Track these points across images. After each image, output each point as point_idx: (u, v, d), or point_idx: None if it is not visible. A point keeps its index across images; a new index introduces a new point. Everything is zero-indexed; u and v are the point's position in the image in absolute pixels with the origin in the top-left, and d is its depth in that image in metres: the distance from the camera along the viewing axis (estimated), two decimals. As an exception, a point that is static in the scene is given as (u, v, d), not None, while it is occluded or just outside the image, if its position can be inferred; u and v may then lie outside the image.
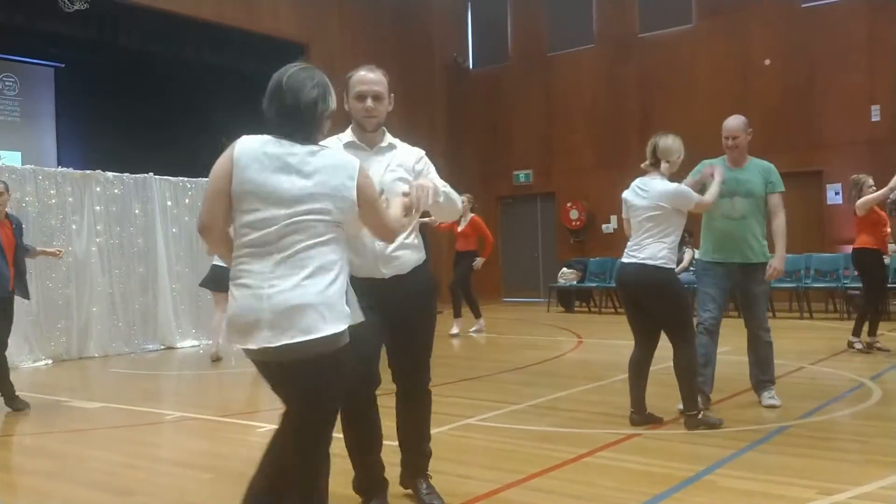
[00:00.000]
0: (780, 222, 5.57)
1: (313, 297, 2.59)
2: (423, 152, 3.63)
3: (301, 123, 2.70)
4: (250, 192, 2.64)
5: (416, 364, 3.61)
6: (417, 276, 3.55)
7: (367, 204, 2.77)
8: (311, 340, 2.56)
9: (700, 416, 5.01)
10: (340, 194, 2.68)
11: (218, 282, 8.87)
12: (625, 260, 5.17)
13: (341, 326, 2.63)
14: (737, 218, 5.51)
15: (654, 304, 5.07)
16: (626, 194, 5.27)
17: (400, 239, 3.33)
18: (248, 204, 2.65)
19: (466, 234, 10.99)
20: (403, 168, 3.49)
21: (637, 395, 5.22)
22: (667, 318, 5.06)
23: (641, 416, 5.20)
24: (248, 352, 2.67)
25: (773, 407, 5.53)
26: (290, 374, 2.65)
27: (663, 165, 5.10)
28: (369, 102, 3.38)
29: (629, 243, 5.19)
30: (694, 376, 5.05)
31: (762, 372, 5.72)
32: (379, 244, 3.33)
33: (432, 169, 3.61)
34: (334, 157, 2.75)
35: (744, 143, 5.67)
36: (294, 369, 2.62)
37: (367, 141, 3.50)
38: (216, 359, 9.28)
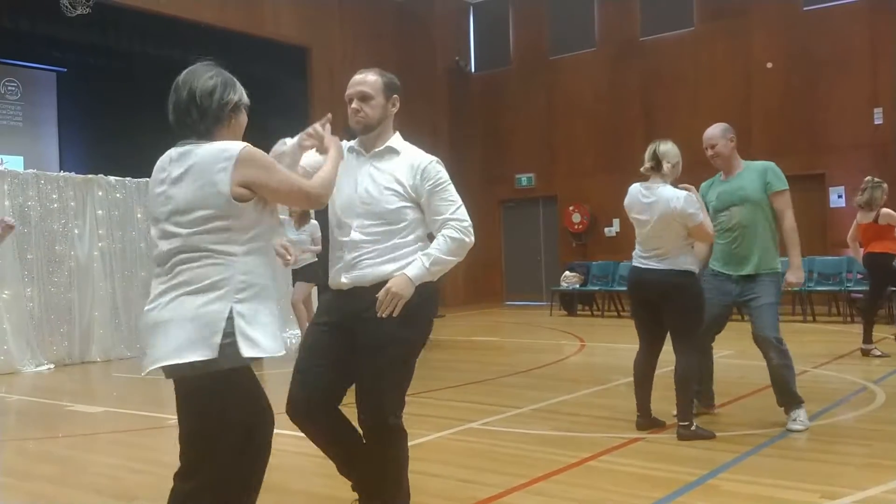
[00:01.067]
0: (787, 225, 5.17)
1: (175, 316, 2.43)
2: (431, 163, 3.18)
3: (197, 115, 2.50)
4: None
5: (372, 393, 3.13)
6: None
7: (258, 177, 2.47)
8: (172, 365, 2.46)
9: (693, 427, 4.89)
10: (210, 194, 2.44)
11: None
12: (643, 265, 5.10)
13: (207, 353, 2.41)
14: (734, 228, 5.21)
15: (669, 306, 4.97)
16: (627, 202, 5.20)
17: (376, 246, 3.11)
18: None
19: None
20: (401, 183, 3.13)
21: (643, 399, 5.21)
22: (678, 322, 4.97)
23: (647, 420, 5.19)
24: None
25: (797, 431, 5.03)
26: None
27: (665, 166, 5.04)
28: (354, 104, 3.17)
29: (644, 248, 5.12)
30: (690, 386, 4.98)
31: (777, 393, 5.20)
32: (348, 254, 3.13)
33: (436, 189, 3.14)
34: (207, 150, 2.48)
35: (725, 151, 5.31)
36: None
37: (365, 145, 3.25)
38: None
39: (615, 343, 10.50)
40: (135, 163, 12.13)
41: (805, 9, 14.08)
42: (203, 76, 2.53)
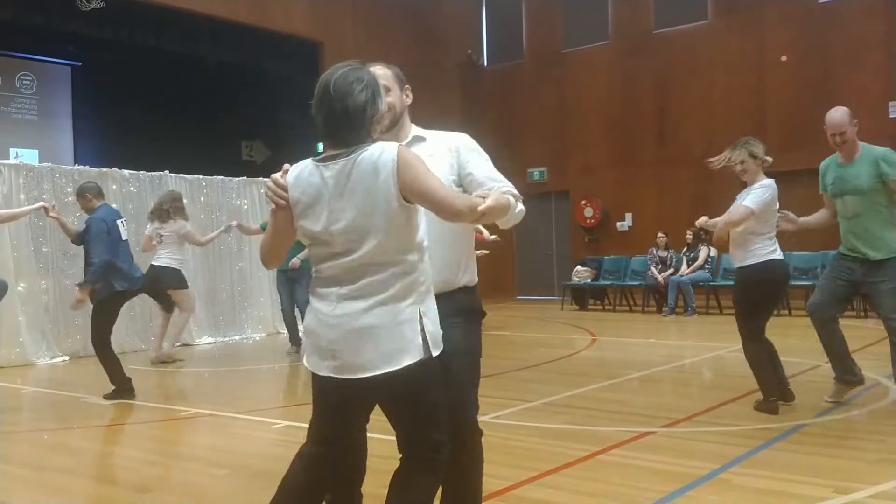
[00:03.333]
0: None
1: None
2: (462, 139, 3.05)
3: (351, 129, 2.52)
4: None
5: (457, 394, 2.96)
6: (453, 298, 2.94)
7: (415, 183, 2.46)
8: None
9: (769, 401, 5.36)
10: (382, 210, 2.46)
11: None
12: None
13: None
14: (850, 217, 5.35)
15: None
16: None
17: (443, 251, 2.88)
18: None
19: None
20: (444, 172, 2.86)
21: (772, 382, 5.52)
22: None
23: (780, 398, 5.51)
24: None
25: None
26: None
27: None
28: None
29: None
30: (756, 368, 5.46)
31: None
32: None
33: (478, 162, 2.99)
34: (369, 158, 2.48)
35: (852, 137, 5.42)
36: None
37: (387, 139, 2.94)
38: (170, 360, 9.19)
39: (627, 338, 10.49)
40: (149, 156, 12.25)
41: (820, 2, 13.98)
42: (355, 90, 2.52)
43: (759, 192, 5.36)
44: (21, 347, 9.17)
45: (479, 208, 2.52)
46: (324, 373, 2.55)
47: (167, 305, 9.26)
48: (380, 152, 2.48)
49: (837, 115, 5.46)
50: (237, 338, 11.43)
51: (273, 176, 2.65)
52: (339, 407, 2.64)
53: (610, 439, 4.83)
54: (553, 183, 17.14)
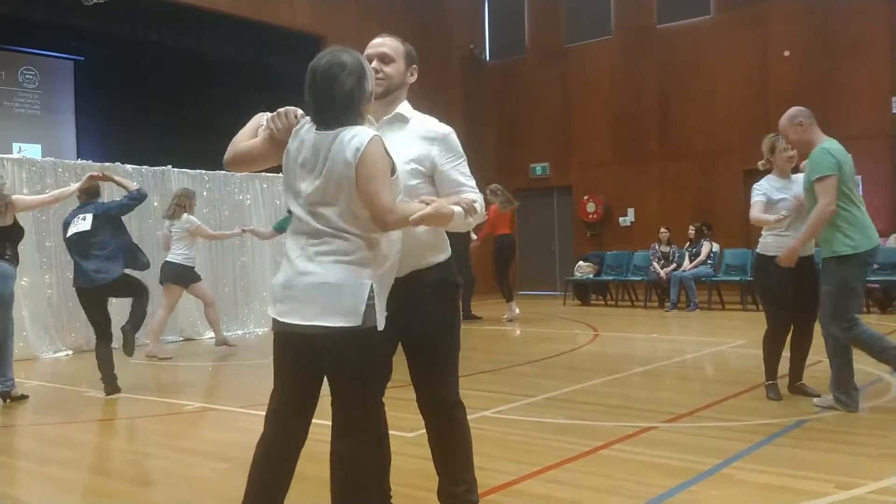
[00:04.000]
0: (812, 210, 5.22)
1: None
2: (445, 134, 3.03)
3: (338, 114, 2.68)
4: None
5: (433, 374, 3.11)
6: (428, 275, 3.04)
7: (361, 180, 2.61)
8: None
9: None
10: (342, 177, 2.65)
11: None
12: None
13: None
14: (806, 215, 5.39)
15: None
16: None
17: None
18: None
19: (491, 222, 11.80)
20: (415, 158, 2.97)
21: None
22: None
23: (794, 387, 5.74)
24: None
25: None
26: None
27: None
28: (374, 63, 2.96)
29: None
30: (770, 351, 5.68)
31: None
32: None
33: (454, 162, 3.02)
34: (347, 135, 2.65)
35: (794, 137, 5.49)
36: None
37: (377, 114, 3.04)
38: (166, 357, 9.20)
39: (629, 333, 10.50)
40: (151, 151, 12.26)
41: (823, -4, 13.96)
42: (340, 77, 2.65)
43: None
44: (24, 342, 9.18)
45: (412, 218, 2.67)
46: (272, 314, 2.74)
47: (170, 302, 9.36)
48: (352, 136, 2.64)
49: (782, 120, 5.63)
50: (240, 332, 11.45)
51: (289, 110, 2.83)
52: (286, 358, 2.80)
53: (612, 434, 4.84)
54: (555, 178, 17.13)
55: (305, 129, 2.76)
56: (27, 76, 15.28)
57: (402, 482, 3.83)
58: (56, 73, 15.74)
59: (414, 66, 3.12)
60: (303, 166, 2.72)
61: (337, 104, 2.66)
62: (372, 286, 2.66)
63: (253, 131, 2.96)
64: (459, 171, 3.03)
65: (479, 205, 2.98)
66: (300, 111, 2.83)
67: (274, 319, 2.75)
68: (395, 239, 2.80)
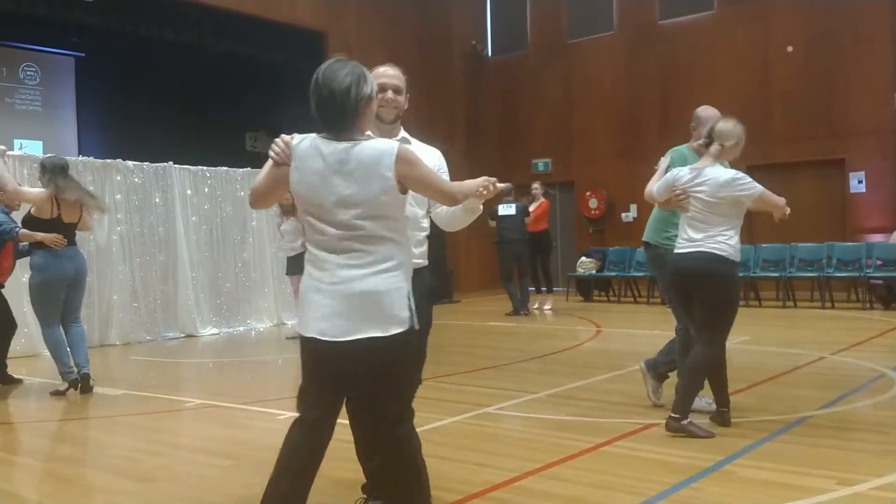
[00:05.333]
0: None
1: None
2: (440, 153, 3.47)
3: (339, 113, 2.73)
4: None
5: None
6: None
7: (416, 183, 2.80)
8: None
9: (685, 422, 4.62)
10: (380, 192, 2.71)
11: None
12: (684, 250, 4.78)
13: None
14: None
15: (700, 294, 4.76)
16: (682, 171, 4.84)
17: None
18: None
19: (537, 217, 12.91)
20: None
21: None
22: (704, 311, 4.75)
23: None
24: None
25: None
26: None
27: (713, 148, 4.77)
28: (390, 94, 3.31)
29: (692, 234, 4.75)
30: (695, 378, 4.70)
31: None
32: None
33: (447, 176, 3.38)
34: (371, 149, 2.73)
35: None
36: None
37: (383, 136, 3.25)
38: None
39: (631, 329, 10.49)
40: (153, 147, 12.26)
41: (826, -8, 13.92)
42: (339, 76, 2.73)
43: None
44: (27, 338, 9.18)
45: (479, 189, 2.92)
46: (313, 334, 2.74)
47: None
48: (382, 144, 2.76)
49: (717, 114, 5.23)
50: (241, 329, 11.46)
51: (282, 136, 2.88)
52: (324, 371, 2.80)
53: (615, 431, 4.83)
54: (557, 174, 17.11)
55: (309, 143, 2.77)
56: (28, 72, 15.27)
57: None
58: (57, 70, 15.72)
59: (407, 93, 3.44)
60: (317, 176, 2.74)
61: (338, 103, 2.71)
62: (408, 289, 2.79)
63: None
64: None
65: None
66: (289, 136, 2.89)
67: (314, 339, 2.74)
68: (419, 241, 3.03)
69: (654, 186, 5.03)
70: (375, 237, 2.72)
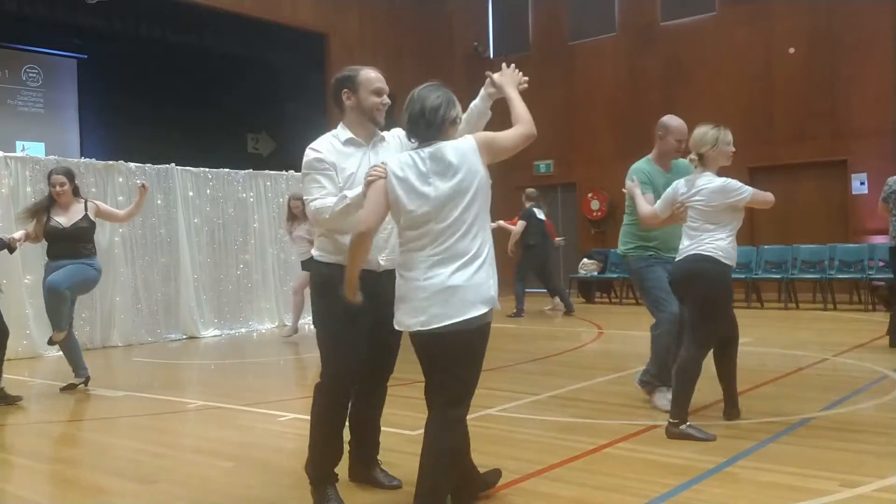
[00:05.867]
0: None
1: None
2: (399, 130, 3.68)
3: (427, 126, 3.16)
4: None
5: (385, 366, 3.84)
6: None
7: (501, 150, 3.25)
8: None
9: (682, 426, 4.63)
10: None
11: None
12: (678, 258, 4.89)
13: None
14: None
15: (685, 293, 4.84)
16: (679, 184, 5.00)
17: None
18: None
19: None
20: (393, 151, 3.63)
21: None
22: (690, 311, 4.81)
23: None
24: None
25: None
26: None
27: (691, 157, 4.95)
28: (385, 98, 3.65)
29: (686, 242, 4.86)
30: (684, 381, 4.71)
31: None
32: (380, 234, 3.43)
33: None
34: (454, 146, 3.15)
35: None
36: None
37: (366, 136, 3.66)
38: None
39: (633, 331, 10.46)
40: (155, 149, 12.26)
41: (828, -7, 13.91)
42: (432, 96, 3.19)
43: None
44: (29, 340, 9.21)
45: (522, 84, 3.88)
46: (414, 328, 3.12)
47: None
48: (464, 139, 3.21)
49: (683, 123, 5.56)
50: (243, 330, 11.46)
51: (374, 165, 3.29)
52: (425, 356, 3.22)
53: (617, 432, 4.82)
54: (559, 175, 17.11)
55: (400, 160, 3.18)
56: (31, 74, 15.28)
57: (403, 480, 3.83)
58: (59, 71, 15.73)
59: None
60: (419, 180, 3.12)
61: (427, 119, 3.16)
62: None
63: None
64: None
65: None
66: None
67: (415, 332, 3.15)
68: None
69: (655, 206, 5.24)
70: (468, 226, 3.09)
